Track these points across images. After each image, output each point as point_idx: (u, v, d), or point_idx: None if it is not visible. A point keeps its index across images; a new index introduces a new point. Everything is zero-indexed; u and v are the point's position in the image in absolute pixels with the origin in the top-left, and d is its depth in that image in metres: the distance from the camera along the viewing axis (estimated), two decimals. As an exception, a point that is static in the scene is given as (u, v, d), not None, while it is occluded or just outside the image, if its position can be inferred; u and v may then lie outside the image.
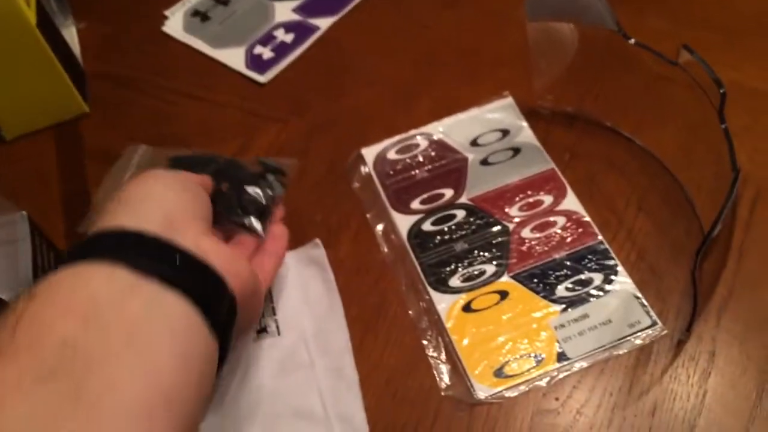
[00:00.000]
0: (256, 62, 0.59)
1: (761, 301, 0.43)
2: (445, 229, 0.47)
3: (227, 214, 0.42)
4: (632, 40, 0.43)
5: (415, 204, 0.49)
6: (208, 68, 0.59)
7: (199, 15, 0.63)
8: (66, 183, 0.54)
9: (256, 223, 0.42)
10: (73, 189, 0.53)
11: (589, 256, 0.45)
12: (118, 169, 0.47)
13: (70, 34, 0.61)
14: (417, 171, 0.51)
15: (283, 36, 0.60)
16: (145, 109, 0.57)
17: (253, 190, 0.44)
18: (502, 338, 0.43)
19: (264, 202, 0.44)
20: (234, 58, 0.59)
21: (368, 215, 0.49)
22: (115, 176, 0.47)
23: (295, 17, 0.62)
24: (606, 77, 0.52)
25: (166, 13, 0.63)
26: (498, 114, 0.53)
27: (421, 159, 0.51)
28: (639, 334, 0.42)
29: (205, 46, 0.60)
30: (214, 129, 0.55)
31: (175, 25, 0.62)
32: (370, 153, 0.52)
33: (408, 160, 0.51)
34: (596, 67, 0.51)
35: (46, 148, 0.56)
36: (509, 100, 0.53)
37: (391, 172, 0.51)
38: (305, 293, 0.45)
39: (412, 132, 0.52)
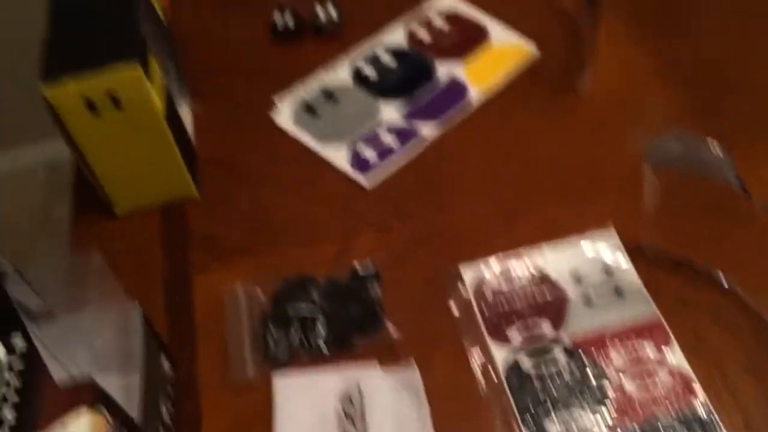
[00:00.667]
0: (360, 163, 0.60)
1: None
2: (543, 368, 0.47)
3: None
4: (750, 197, 0.43)
5: (512, 333, 0.49)
6: (312, 164, 0.60)
7: (309, 110, 0.64)
8: (168, 265, 0.55)
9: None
10: (174, 271, 0.54)
11: (693, 424, 0.44)
12: (232, 315, 0.50)
13: (186, 117, 0.63)
14: (516, 299, 0.50)
15: (387, 138, 0.61)
16: (250, 201, 0.58)
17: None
18: (598, 497, 0.42)
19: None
20: (338, 155, 0.60)
21: (464, 339, 0.49)
22: (233, 322, 0.50)
23: (401, 120, 0.63)
24: (720, 229, 0.51)
25: (276, 100, 0.65)
26: (600, 247, 0.52)
27: (521, 287, 0.51)
28: None
29: (312, 141, 0.62)
30: (315, 230, 0.56)
31: (285, 115, 0.64)
32: (469, 271, 0.52)
33: (508, 287, 0.51)
34: (712, 217, 0.50)
35: (152, 229, 0.57)
36: (612, 233, 0.53)
37: (491, 298, 0.50)
38: (397, 416, 0.45)
39: (513, 256, 0.52)
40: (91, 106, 0.49)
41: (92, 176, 0.54)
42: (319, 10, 0.70)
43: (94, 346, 0.39)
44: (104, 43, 0.51)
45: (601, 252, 0.52)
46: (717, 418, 0.44)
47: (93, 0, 0.54)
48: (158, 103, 0.52)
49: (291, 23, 0.69)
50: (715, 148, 0.43)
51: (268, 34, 0.70)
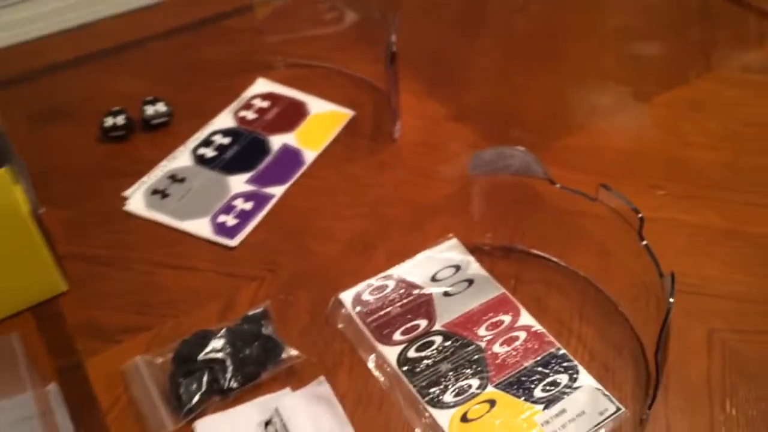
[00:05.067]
0: (222, 229, 0.65)
1: (693, 380, 0.53)
2: (428, 354, 0.54)
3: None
4: (558, 185, 0.55)
5: (397, 336, 0.56)
6: (176, 239, 0.64)
7: (158, 193, 0.68)
8: (56, 359, 0.55)
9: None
10: (64, 363, 0.55)
11: (553, 361, 0.54)
12: (138, 384, 0.53)
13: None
14: (391, 308, 0.58)
15: (242, 204, 0.67)
16: (123, 282, 0.61)
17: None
18: (500, 441, 0.49)
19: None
20: (200, 227, 0.65)
21: (359, 351, 0.55)
22: (140, 390, 0.52)
23: (250, 188, 0.69)
24: (532, 215, 0.63)
25: (125, 194, 0.68)
26: (447, 253, 0.62)
27: (392, 298, 0.59)
28: (609, 419, 0.50)
29: (169, 219, 0.66)
30: (195, 294, 0.60)
31: (136, 203, 0.67)
32: (347, 297, 0.59)
33: (381, 300, 0.58)
34: (525, 208, 0.63)
35: (29, 329, 0.57)
36: (454, 241, 0.63)
37: (369, 312, 0.58)
38: (317, 427, 0.50)
39: (380, 275, 0.60)
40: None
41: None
42: (149, 109, 0.75)
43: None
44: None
45: (449, 256, 0.62)
46: (569, 353, 0.54)
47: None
48: (23, 203, 0.54)
49: (122, 122, 0.74)
50: (520, 151, 0.55)
51: (100, 137, 0.74)
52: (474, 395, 0.52)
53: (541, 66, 0.84)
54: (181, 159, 0.72)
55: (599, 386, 0.52)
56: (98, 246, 0.64)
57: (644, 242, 0.50)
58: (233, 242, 0.64)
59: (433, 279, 0.60)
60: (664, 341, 0.46)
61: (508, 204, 0.64)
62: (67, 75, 0.84)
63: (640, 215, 0.51)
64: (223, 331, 0.54)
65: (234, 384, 0.52)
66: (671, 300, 0.47)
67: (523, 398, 0.52)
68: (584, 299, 0.59)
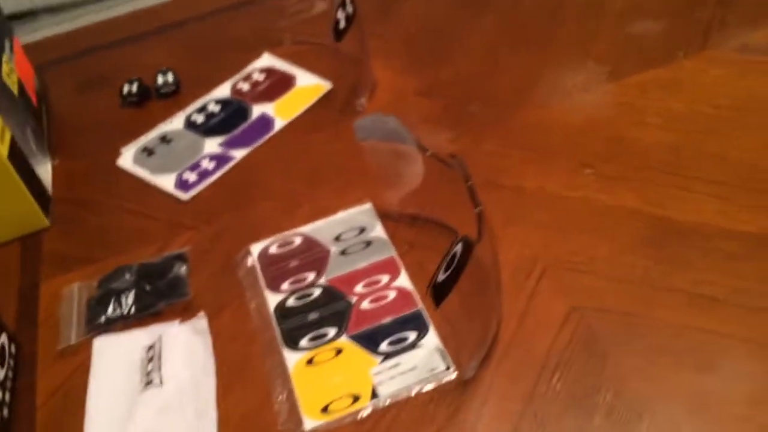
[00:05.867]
0: (182, 185, 0.75)
1: (535, 351, 0.54)
2: (303, 303, 0.60)
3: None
4: (428, 152, 0.58)
5: (285, 285, 0.62)
6: (146, 191, 0.75)
7: (146, 151, 0.80)
8: (22, 279, 0.68)
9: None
10: (26, 283, 0.68)
11: (410, 321, 0.57)
12: (66, 304, 0.64)
13: (45, 169, 0.78)
14: (290, 261, 0.64)
15: (207, 164, 0.77)
16: (96, 225, 0.73)
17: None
18: (332, 384, 0.54)
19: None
20: (167, 182, 0.75)
21: (247, 295, 0.62)
22: (65, 309, 0.63)
23: (219, 150, 0.78)
24: (446, 187, 0.66)
25: (122, 150, 0.80)
26: (358, 216, 0.67)
27: (295, 252, 0.65)
28: (435, 376, 0.53)
29: (147, 174, 0.77)
30: (143, 237, 0.70)
31: (126, 158, 0.79)
32: (256, 248, 0.66)
33: (284, 254, 0.65)
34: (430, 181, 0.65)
35: (13, 254, 0.71)
36: (369, 206, 0.67)
37: (269, 263, 0.64)
38: (187, 354, 0.58)
39: (291, 231, 0.67)
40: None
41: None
42: (160, 78, 0.87)
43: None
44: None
45: (358, 218, 0.67)
46: (426, 315, 0.57)
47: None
48: (2, 148, 0.67)
49: (135, 89, 0.86)
50: (395, 121, 0.59)
51: (119, 102, 0.87)
52: (326, 342, 0.57)
53: (530, 44, 0.84)
54: (175, 123, 0.83)
55: (441, 346, 0.55)
56: (86, 192, 0.76)
57: (478, 208, 0.51)
58: (186, 196, 0.73)
59: (337, 238, 0.65)
60: (434, 280, 0.48)
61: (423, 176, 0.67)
62: (113, 52, 0.98)
63: (469, 183, 0.52)
64: (137, 266, 0.64)
65: (133, 310, 0.61)
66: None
67: (368, 349, 0.56)
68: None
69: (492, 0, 0.91)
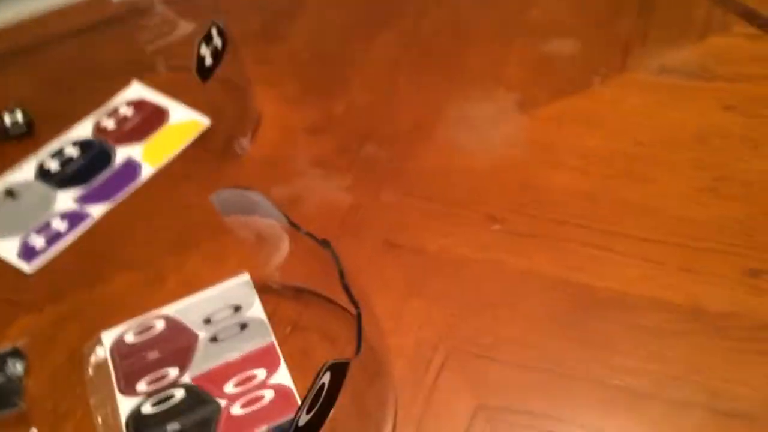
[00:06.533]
0: (27, 252, 0.63)
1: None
2: (162, 409, 0.50)
3: None
4: (303, 231, 0.48)
5: (141, 386, 0.51)
6: (-17, 260, 0.63)
7: (-16, 209, 0.67)
8: None
9: None
10: None
11: (287, 430, 0.47)
12: None
13: None
14: (149, 352, 0.53)
15: (57, 224, 0.65)
16: None
17: None
18: None
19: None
20: (9, 249, 0.63)
21: (92, 399, 0.51)
22: None
23: (74, 206, 0.66)
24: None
25: (-43, 208, 0.67)
26: (233, 291, 0.56)
27: (156, 340, 0.54)
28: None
29: (-15, 239, 0.64)
30: (-28, 320, 0.58)
31: (-39, 220, 0.66)
32: (108, 337, 0.55)
33: (144, 343, 0.54)
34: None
35: None
36: (246, 277, 0.57)
37: (125, 355, 0.53)
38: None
39: (151, 313, 0.56)
40: None
41: None
42: (6, 116, 0.74)
43: None
44: None
45: (233, 294, 0.56)
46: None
47: None
48: None
49: (-25, 133, 0.73)
50: (260, 197, 0.49)
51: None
52: (187, 463, 0.47)
53: (433, 69, 0.75)
54: (25, 171, 0.71)
55: (323, 466, 0.45)
56: None
57: (357, 310, 0.42)
58: (29, 268, 0.61)
59: (207, 321, 0.55)
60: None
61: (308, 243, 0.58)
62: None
63: (343, 281, 0.43)
64: (-46, 370, 0.52)
65: (-54, 430, 0.49)
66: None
67: (236, 472, 0.46)
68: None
69: (392, 18, 0.82)
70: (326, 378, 0.37)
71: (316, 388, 0.36)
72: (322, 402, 0.37)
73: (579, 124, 0.65)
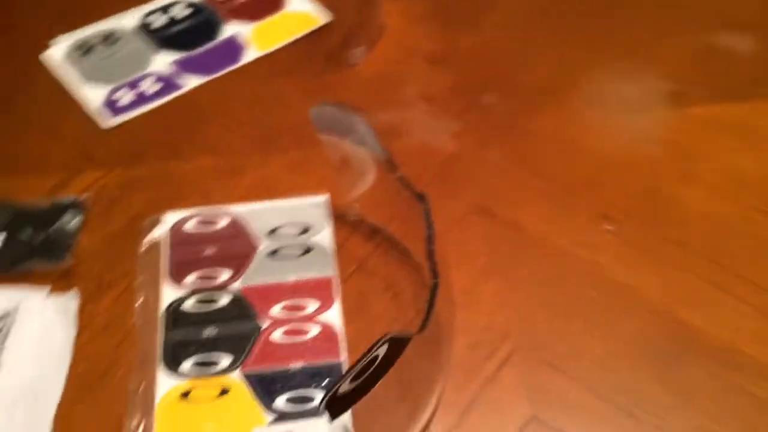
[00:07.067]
0: (111, 105, 0.59)
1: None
2: (203, 310, 0.47)
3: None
4: (398, 174, 0.43)
5: (190, 278, 0.49)
6: (65, 103, 0.60)
7: (82, 48, 0.64)
8: None
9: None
10: None
11: (324, 374, 0.44)
12: None
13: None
14: (206, 247, 0.50)
15: (149, 85, 0.61)
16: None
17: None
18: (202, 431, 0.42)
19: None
20: (94, 96, 0.60)
21: (139, 280, 0.48)
22: None
23: (171, 71, 0.63)
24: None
25: (51, 42, 0.64)
26: (307, 210, 0.52)
27: (215, 236, 0.51)
28: (333, 465, 0.40)
29: (74, 80, 0.61)
30: (42, 163, 0.56)
31: (55, 54, 0.63)
32: (171, 218, 0.52)
33: (202, 234, 0.51)
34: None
35: None
36: (323, 199, 0.53)
37: (182, 242, 0.50)
38: (43, 338, 0.45)
39: (219, 208, 0.52)
40: None
41: None
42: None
43: None
44: None
45: (306, 213, 0.52)
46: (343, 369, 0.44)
47: None
48: None
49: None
50: (363, 124, 0.43)
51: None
52: (214, 374, 0.44)
53: (580, 30, 0.67)
54: (128, 20, 0.67)
55: (350, 426, 0.42)
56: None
57: (434, 281, 0.37)
58: (109, 122, 0.58)
59: (272, 232, 0.51)
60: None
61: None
62: None
63: (430, 246, 0.38)
64: (16, 209, 0.50)
65: (-8, 264, 0.48)
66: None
67: (260, 400, 0.43)
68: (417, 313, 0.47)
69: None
70: (382, 350, 0.32)
71: (369, 358, 0.32)
72: (369, 374, 0.32)
73: (732, 137, 0.57)
